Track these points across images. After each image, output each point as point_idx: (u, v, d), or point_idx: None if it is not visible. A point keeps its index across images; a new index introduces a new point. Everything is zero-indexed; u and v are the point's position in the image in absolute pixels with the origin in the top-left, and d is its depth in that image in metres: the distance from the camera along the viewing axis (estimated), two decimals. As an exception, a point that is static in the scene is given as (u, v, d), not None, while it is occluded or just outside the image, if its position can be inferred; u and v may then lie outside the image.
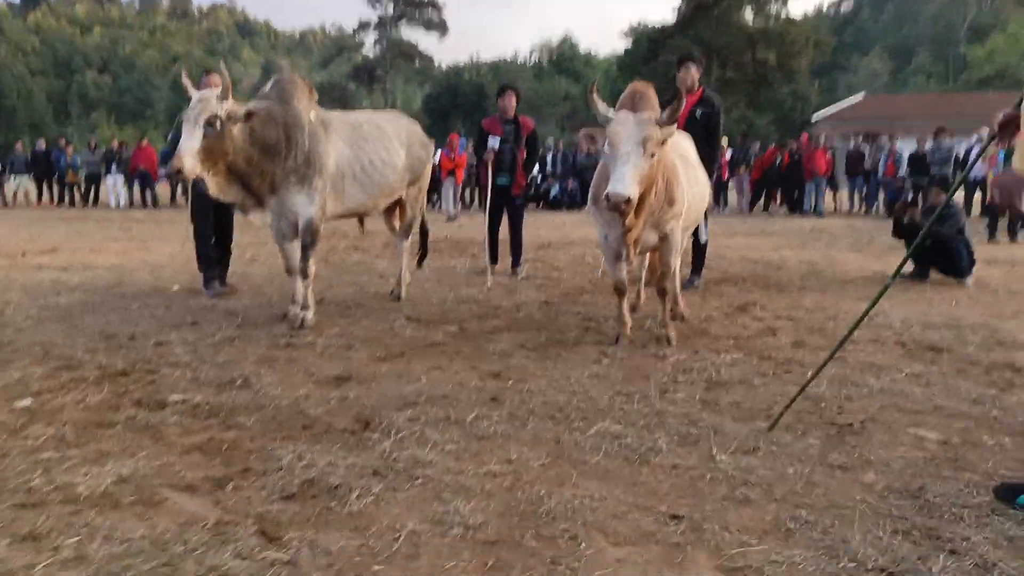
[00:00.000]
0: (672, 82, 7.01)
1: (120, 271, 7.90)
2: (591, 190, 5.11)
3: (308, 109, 5.58)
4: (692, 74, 6.94)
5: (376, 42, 53.31)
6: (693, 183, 5.25)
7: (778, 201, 19.62)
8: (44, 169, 20.72)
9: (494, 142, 7.79)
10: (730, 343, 5.00)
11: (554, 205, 19.22)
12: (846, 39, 64.53)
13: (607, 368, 4.40)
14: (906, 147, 19.04)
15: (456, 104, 46.92)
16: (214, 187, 5.24)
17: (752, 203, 19.36)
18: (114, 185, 19.35)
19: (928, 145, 16.38)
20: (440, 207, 18.31)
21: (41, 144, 21.40)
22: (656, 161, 4.39)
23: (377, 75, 51.19)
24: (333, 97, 49.04)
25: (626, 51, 51.09)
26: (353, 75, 52.19)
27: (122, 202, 19.36)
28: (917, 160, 16.83)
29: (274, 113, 5.38)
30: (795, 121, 48.09)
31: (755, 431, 3.37)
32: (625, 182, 4.14)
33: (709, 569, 2.27)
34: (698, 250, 7.23)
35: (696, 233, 6.97)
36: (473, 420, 3.50)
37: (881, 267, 8.70)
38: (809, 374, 3.65)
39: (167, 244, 10.87)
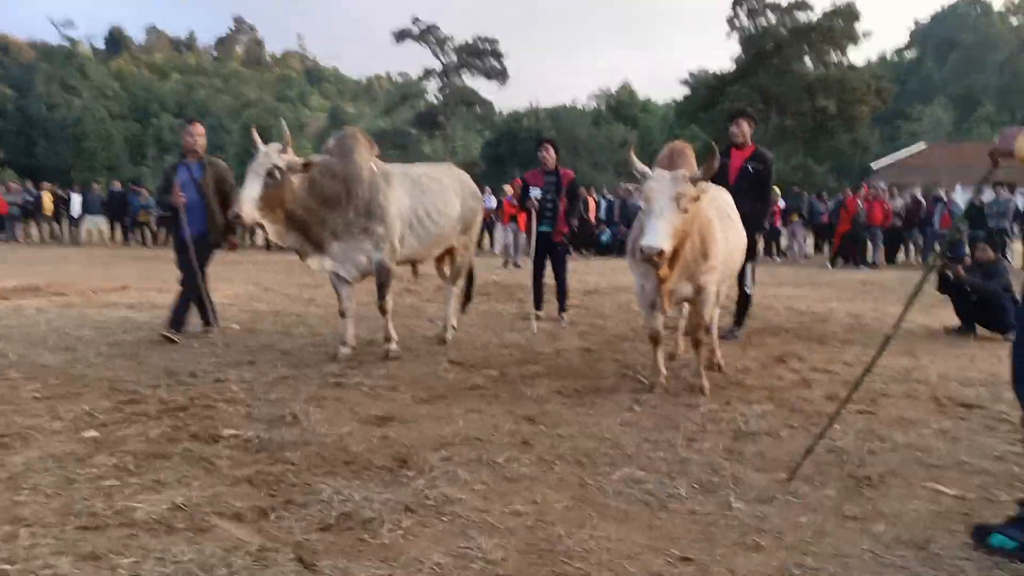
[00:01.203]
0: (728, 130, 7.27)
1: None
2: (629, 242, 5.31)
3: (368, 162, 6.00)
4: (744, 129, 7.15)
5: (439, 90, 54.69)
6: (729, 237, 5.41)
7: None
8: (118, 210, 21.79)
9: (536, 192, 8.11)
10: (763, 394, 5.10)
11: (604, 251, 19.40)
12: (909, 87, 63.85)
13: (638, 416, 4.54)
14: (962, 198, 18.83)
15: (514, 151, 47.60)
16: (273, 233, 5.74)
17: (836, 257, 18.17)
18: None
19: (986, 197, 16.16)
20: (496, 250, 18.67)
21: (116, 185, 22.51)
22: (690, 216, 4.58)
23: (439, 122, 52.42)
24: (396, 143, 50.42)
25: (685, 98, 51.39)
26: (416, 122, 53.55)
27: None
28: (974, 212, 16.62)
29: (334, 167, 5.86)
30: (854, 169, 47.59)
31: (774, 481, 3.49)
32: (658, 235, 4.35)
33: (711, 609, 2.41)
34: (742, 301, 7.33)
35: (742, 283, 7.11)
36: (503, 462, 3.68)
37: (928, 321, 8.66)
38: (826, 423, 3.74)
39: (231, 285, 11.35)
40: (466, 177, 7.04)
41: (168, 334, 6.60)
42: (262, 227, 5.71)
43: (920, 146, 44.63)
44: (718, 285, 5.39)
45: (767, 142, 45.59)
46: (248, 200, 5.40)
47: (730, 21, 46.76)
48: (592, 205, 19.34)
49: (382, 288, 6.10)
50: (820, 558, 2.72)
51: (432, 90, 56.43)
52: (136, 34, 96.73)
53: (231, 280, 12.12)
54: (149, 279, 11.46)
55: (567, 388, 5.19)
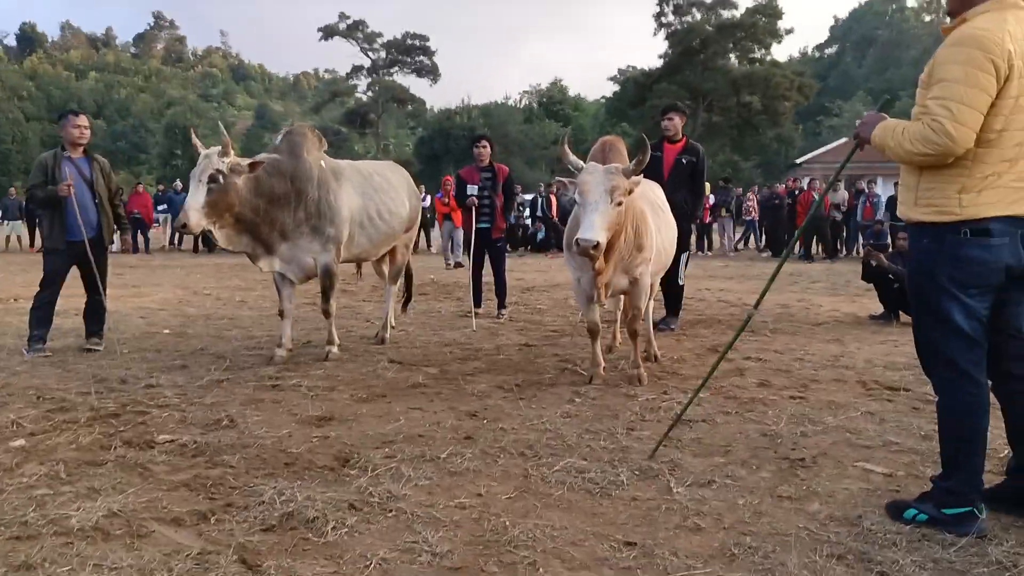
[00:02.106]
0: (658, 125, 7.40)
1: (112, 316, 7.99)
2: (565, 236, 5.38)
3: (318, 160, 5.92)
4: (676, 123, 7.29)
5: (369, 87, 54.15)
6: (662, 229, 5.52)
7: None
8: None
9: (473, 189, 8.11)
10: (698, 383, 5.20)
11: (540, 248, 19.51)
12: (830, 83, 65.77)
13: (579, 407, 4.60)
14: (886, 191, 19.51)
15: (448, 148, 47.51)
16: (223, 239, 5.60)
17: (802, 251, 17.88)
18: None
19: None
20: (431, 251, 18.59)
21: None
22: (624, 209, 4.65)
23: (370, 119, 51.93)
24: (327, 141, 49.76)
25: (614, 95, 51.98)
26: (346, 119, 52.92)
27: (116, 247, 19.54)
28: (896, 204, 17.21)
29: (281, 165, 5.74)
30: (780, 165, 48.85)
31: (712, 465, 3.58)
32: (594, 229, 4.41)
33: (656, 592, 2.46)
34: (674, 292, 7.46)
35: (674, 275, 7.24)
36: (447, 457, 3.69)
37: (854, 309, 8.98)
38: (685, 403, 3.84)
39: (158, 289, 11.08)
40: (408, 176, 7.04)
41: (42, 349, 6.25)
42: (211, 234, 5.57)
43: (842, 140, 45.93)
44: (652, 277, 5.49)
45: (695, 138, 46.22)
46: (193, 208, 5.24)
47: (657, 17, 47.51)
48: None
49: (327, 292, 6.02)
50: (758, 537, 2.80)
51: (362, 87, 55.88)
52: (50, 31, 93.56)
53: (160, 284, 11.85)
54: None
55: (508, 383, 5.22)
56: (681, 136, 7.34)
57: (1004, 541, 2.76)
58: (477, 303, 8.30)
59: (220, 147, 5.43)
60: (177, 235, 20.74)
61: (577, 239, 4.45)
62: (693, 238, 12.00)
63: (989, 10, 2.76)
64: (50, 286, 6.43)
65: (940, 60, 2.77)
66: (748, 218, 20.67)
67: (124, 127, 61.20)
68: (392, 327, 7.06)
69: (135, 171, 51.87)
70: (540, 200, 20.27)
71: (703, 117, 45.84)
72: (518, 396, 4.88)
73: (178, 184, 22.29)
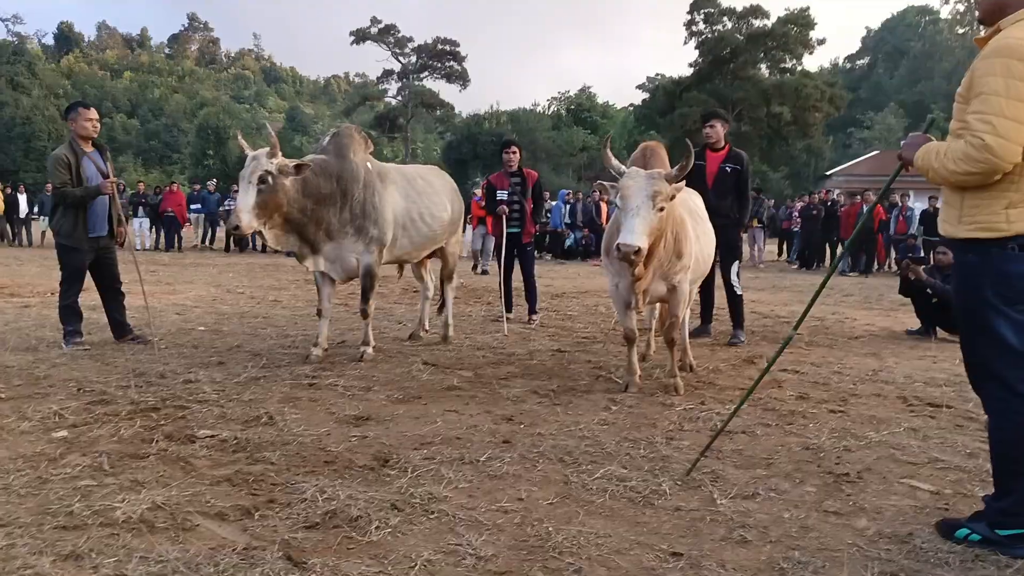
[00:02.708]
0: (688, 133, 7.34)
1: (148, 312, 8.12)
2: (604, 242, 5.35)
3: (364, 161, 5.98)
4: (718, 131, 7.20)
5: (399, 91, 54.44)
6: (701, 237, 5.48)
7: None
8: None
9: (503, 195, 8.11)
10: (736, 394, 5.16)
11: (569, 255, 19.47)
12: (861, 95, 65.14)
13: (616, 415, 4.57)
14: (919, 205, 19.27)
15: (476, 154, 47.62)
16: (272, 238, 5.69)
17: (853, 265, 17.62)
18: (140, 228, 19.81)
19: (940, 203, 16.54)
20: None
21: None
22: (665, 215, 4.63)
23: (399, 124, 52.19)
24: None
25: (643, 102, 51.85)
26: (375, 123, 53.19)
27: (147, 244, 19.80)
28: (929, 218, 17.04)
29: (328, 166, 5.83)
30: (809, 176, 48.45)
31: (755, 477, 3.53)
32: (635, 234, 4.39)
33: (704, 603, 2.43)
34: (734, 302, 7.30)
35: (731, 285, 7.18)
36: (486, 460, 3.67)
37: (889, 324, 8.87)
38: (722, 422, 3.79)
39: (192, 287, 11.19)
40: (451, 180, 7.12)
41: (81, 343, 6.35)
42: (260, 235, 5.65)
43: (874, 153, 45.53)
44: (690, 284, 5.45)
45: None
46: (244, 210, 5.33)
47: (687, 26, 47.35)
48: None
49: (366, 292, 6.06)
50: (807, 552, 2.76)
51: (392, 92, 56.17)
52: (87, 31, 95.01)
53: (192, 282, 11.97)
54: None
55: (542, 388, 5.20)
56: (724, 144, 7.24)
57: (1060, 563, 2.70)
58: (508, 308, 8.29)
59: (268, 148, 5.48)
60: (208, 234, 20.98)
61: (618, 244, 4.43)
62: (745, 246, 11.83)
63: (1023, 18, 2.70)
64: (76, 283, 6.52)
65: (979, 73, 2.69)
66: (795, 229, 20.37)
67: (157, 126, 61.97)
68: (426, 330, 7.20)
69: (167, 170, 52.49)
70: (575, 205, 20.21)
71: (733, 127, 45.54)
72: (554, 402, 4.86)
73: (211, 184, 22.51)
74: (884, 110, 61.69)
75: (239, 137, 5.95)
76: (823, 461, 3.79)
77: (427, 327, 7.23)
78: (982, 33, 2.90)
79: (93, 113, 6.46)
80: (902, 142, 3.11)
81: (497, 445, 3.93)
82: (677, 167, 4.67)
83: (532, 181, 8.36)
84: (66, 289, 6.43)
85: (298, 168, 5.57)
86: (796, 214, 20.36)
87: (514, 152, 8.34)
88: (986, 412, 2.94)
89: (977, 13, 2.95)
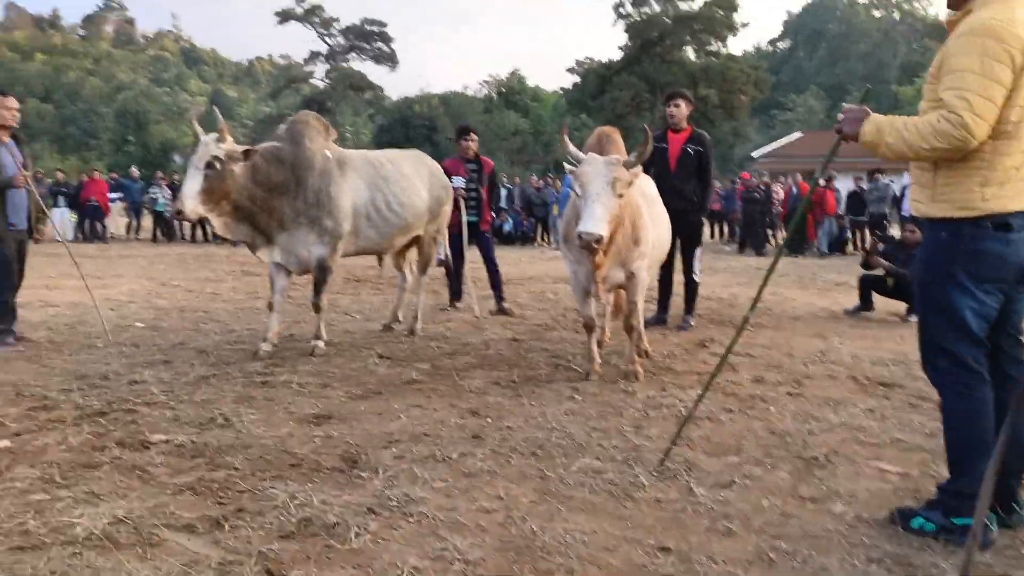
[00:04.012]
0: (619, 116, 7.27)
1: (81, 308, 7.79)
2: (562, 228, 5.31)
3: (322, 148, 5.78)
4: (682, 110, 6.98)
5: (327, 74, 53.32)
6: (656, 222, 5.48)
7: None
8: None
9: (459, 181, 7.95)
10: (694, 379, 5.20)
11: (508, 240, 19.43)
12: (783, 78, 66.61)
13: (581, 405, 4.55)
14: (842, 185, 19.78)
15: (408, 137, 47.04)
16: (221, 227, 5.51)
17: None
18: (61, 218, 18.98)
19: (865, 184, 17.04)
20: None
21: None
22: (624, 201, 4.61)
23: (327, 107, 51.13)
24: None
25: (574, 86, 51.95)
26: (303, 106, 51.98)
27: (69, 235, 18.97)
28: (855, 198, 17.54)
29: (281, 153, 5.66)
30: (735, 158, 49.39)
31: (728, 465, 3.55)
32: (596, 220, 4.35)
33: (699, 598, 2.42)
34: (690, 289, 7.23)
35: (689, 271, 7.15)
36: (458, 458, 3.61)
37: (827, 304, 9.08)
38: (691, 406, 3.86)
39: (123, 280, 10.75)
40: (434, 165, 6.92)
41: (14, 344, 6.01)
42: (207, 221, 5.45)
43: (797, 135, 46.62)
44: (648, 271, 5.46)
45: (654, 131, 46.61)
46: (189, 195, 5.15)
47: (616, 8, 47.58)
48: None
49: (319, 285, 5.91)
50: (792, 540, 2.78)
51: (319, 74, 54.96)
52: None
53: (122, 275, 11.52)
54: (33, 277, 10.71)
55: (503, 379, 5.15)
56: (686, 125, 7.07)
57: (1032, 541, 2.77)
58: (457, 296, 8.20)
59: (216, 133, 5.29)
60: (136, 224, 20.26)
61: (579, 232, 4.38)
62: (706, 229, 11.63)
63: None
64: (5, 277, 6.12)
65: (952, 51, 2.69)
66: (729, 211, 20.65)
67: (74, 112, 59.34)
68: (399, 321, 7.12)
69: (85, 156, 50.35)
70: (512, 190, 20.16)
71: (661, 110, 46.09)
72: (517, 393, 4.81)
73: (134, 171, 21.73)
74: (805, 92, 63.20)
75: (194, 122, 5.67)
76: (791, 445, 3.84)
77: (400, 319, 7.09)
78: (945, 16, 2.92)
79: (12, 101, 6.11)
80: (840, 115, 3.02)
81: (467, 440, 3.87)
82: (635, 152, 4.65)
83: (488, 169, 8.25)
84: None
85: (246, 154, 5.39)
86: (731, 196, 20.67)
87: (473, 139, 8.20)
88: (938, 391, 2.90)
89: None
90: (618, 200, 4.51)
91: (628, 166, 4.57)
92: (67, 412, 4.29)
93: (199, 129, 5.47)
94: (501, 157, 49.50)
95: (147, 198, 20.16)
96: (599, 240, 4.36)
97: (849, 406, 4.56)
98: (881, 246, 8.43)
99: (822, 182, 17.95)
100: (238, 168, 5.37)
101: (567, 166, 4.77)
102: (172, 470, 3.46)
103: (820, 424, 4.20)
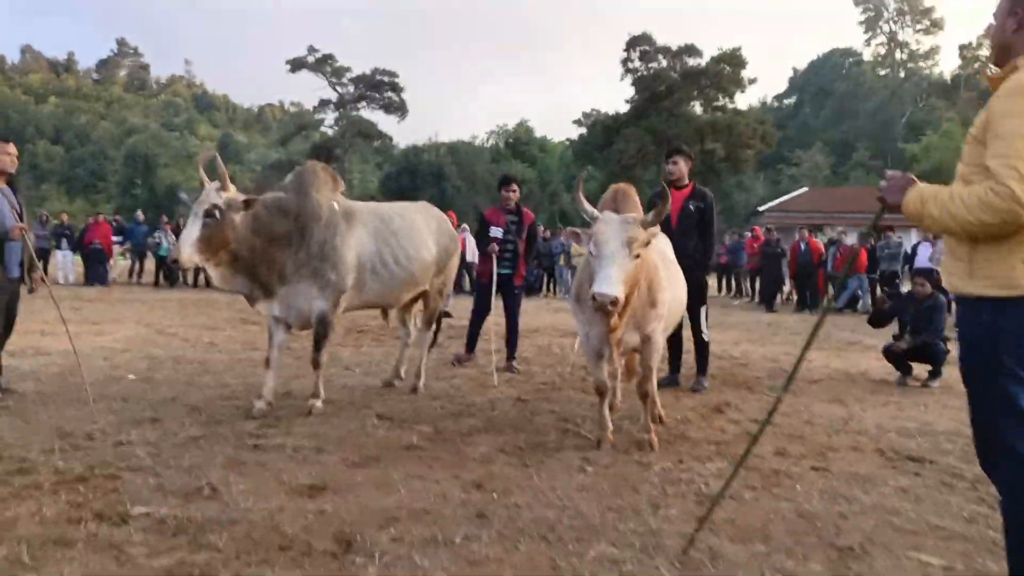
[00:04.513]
0: (624, 168, 7.10)
1: (72, 359, 7.51)
2: (573, 287, 5.07)
3: (329, 200, 5.63)
4: (681, 167, 6.88)
5: (336, 121, 53.76)
6: (672, 282, 5.26)
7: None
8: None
9: (497, 232, 7.73)
10: (712, 450, 4.92)
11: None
12: (789, 132, 67.03)
13: (593, 478, 4.26)
14: (852, 241, 19.59)
15: (416, 185, 47.17)
16: (218, 278, 5.35)
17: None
18: (63, 261, 18.82)
19: (878, 242, 16.85)
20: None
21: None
22: (640, 262, 4.39)
23: (335, 154, 51.43)
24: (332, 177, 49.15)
25: (580, 137, 52.27)
26: (312, 152, 52.28)
27: (71, 278, 18.80)
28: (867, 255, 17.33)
29: (285, 204, 5.49)
30: (741, 212, 49.41)
31: (755, 555, 3.26)
32: (611, 282, 4.12)
33: None
34: (701, 349, 6.99)
35: (698, 330, 6.93)
36: (461, 541, 3.32)
37: (842, 365, 8.79)
38: (716, 489, 3.55)
39: (120, 326, 10.53)
40: (441, 216, 6.72)
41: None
42: (204, 271, 5.26)
43: (803, 189, 46.77)
44: (663, 334, 5.22)
45: (658, 184, 46.83)
46: (187, 243, 5.01)
47: (624, 63, 48.06)
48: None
49: (319, 341, 5.66)
50: (834, 652, 2.49)
51: (328, 121, 55.41)
52: (10, 54, 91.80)
53: (120, 321, 11.29)
54: (29, 321, 10.50)
55: (509, 446, 4.86)
56: (688, 181, 6.96)
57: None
58: (471, 348, 7.94)
59: (219, 181, 5.16)
60: (137, 267, 20.10)
61: (594, 293, 4.15)
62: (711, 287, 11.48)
63: None
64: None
65: (998, 112, 2.45)
66: (739, 265, 20.39)
67: (83, 154, 59.82)
68: (401, 378, 6.87)
69: (92, 199, 50.63)
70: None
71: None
72: (524, 462, 4.52)
73: (139, 215, 21.66)
74: (812, 148, 63.53)
75: (200, 168, 5.52)
76: (822, 531, 3.55)
77: (403, 375, 6.83)
78: (992, 71, 2.71)
79: (12, 148, 5.96)
80: (881, 183, 2.83)
81: (471, 520, 3.58)
82: (653, 211, 4.45)
83: (529, 221, 8.04)
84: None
85: (247, 203, 5.24)
86: (738, 249, 20.46)
87: (514, 191, 7.99)
88: (999, 493, 2.61)
89: (990, 54, 2.76)
90: (634, 261, 4.29)
91: (645, 225, 4.36)
92: (45, 477, 4.02)
93: (204, 176, 5.34)
94: (507, 206, 49.62)
95: (151, 242, 20.03)
96: (614, 302, 4.13)
97: (880, 484, 4.26)
98: (888, 304, 8.19)
99: (849, 241, 17.90)
100: (238, 217, 5.22)
101: (569, 228, 4.61)
102: (150, 550, 3.18)
103: (851, 506, 3.90)
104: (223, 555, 3.14)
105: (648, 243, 4.41)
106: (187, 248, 5.05)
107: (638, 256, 4.33)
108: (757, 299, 19.50)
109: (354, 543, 3.28)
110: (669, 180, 6.92)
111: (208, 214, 5.10)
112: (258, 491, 3.91)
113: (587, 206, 4.52)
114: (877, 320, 8.06)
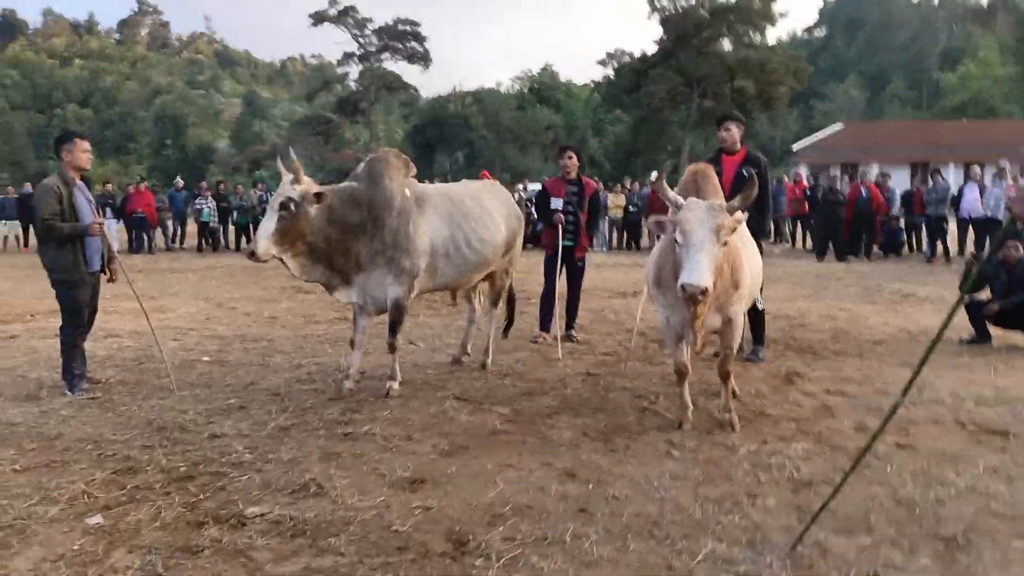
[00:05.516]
0: (654, 111, 6.93)
1: (144, 339, 7.67)
2: (652, 271, 5.06)
3: (401, 187, 5.70)
4: (733, 133, 6.78)
5: (360, 74, 53.30)
6: (752, 262, 5.25)
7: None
8: (30, 212, 20.38)
9: (558, 203, 7.65)
10: (792, 427, 4.97)
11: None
12: (820, 66, 65.43)
13: (682, 465, 4.31)
14: (897, 184, 19.26)
15: (443, 137, 46.96)
16: (296, 268, 5.49)
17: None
18: (109, 230, 19.06)
19: (920, 184, 16.56)
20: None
21: (27, 187, 21.14)
22: (727, 248, 4.39)
23: (361, 107, 51.18)
24: (317, 130, 49.04)
25: (607, 80, 51.44)
26: (336, 107, 52.10)
27: (115, 247, 19.04)
28: (909, 198, 17.08)
29: (357, 193, 5.58)
30: (774, 151, 48.62)
31: (862, 548, 3.31)
32: (702, 272, 4.13)
33: None
34: (757, 319, 6.90)
35: (754, 300, 6.86)
36: (571, 540, 3.39)
37: (902, 323, 8.73)
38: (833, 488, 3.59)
39: (179, 300, 10.73)
40: (509, 197, 6.75)
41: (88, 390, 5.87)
42: (283, 263, 5.40)
43: (837, 126, 45.78)
44: (744, 314, 5.22)
45: (689, 125, 46.28)
46: (263, 236, 5.20)
47: (651, 1, 47.00)
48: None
49: (394, 325, 5.79)
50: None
51: (353, 75, 54.99)
52: (32, 17, 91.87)
53: (176, 294, 11.49)
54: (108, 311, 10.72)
55: (591, 429, 4.93)
56: (740, 146, 6.86)
57: None
58: (546, 327, 7.81)
59: (293, 175, 5.28)
60: (180, 233, 20.34)
61: (683, 284, 4.15)
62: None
63: None
64: (79, 320, 6.02)
65: None
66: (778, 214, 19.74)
67: (111, 115, 60.08)
68: (468, 354, 6.91)
69: (123, 161, 50.98)
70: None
71: (697, 103, 45.46)
72: (610, 447, 4.60)
73: (178, 181, 21.81)
74: (844, 81, 62.06)
75: (279, 163, 5.61)
76: (923, 520, 3.59)
77: (469, 351, 6.90)
78: None
79: (88, 144, 6.09)
80: (1011, 192, 2.83)
81: (575, 516, 3.66)
82: (740, 196, 4.43)
83: (590, 191, 7.95)
84: (69, 328, 5.97)
85: (318, 196, 5.32)
86: (776, 195, 20.06)
87: (571, 158, 7.81)
88: None
89: None
90: (722, 248, 4.29)
91: (731, 211, 4.34)
92: (153, 476, 4.17)
93: (283, 168, 5.45)
94: (536, 153, 49.29)
95: (192, 209, 20.24)
96: (704, 292, 4.14)
97: (969, 464, 4.28)
98: (974, 264, 7.90)
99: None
100: (313, 210, 5.32)
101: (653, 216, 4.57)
102: (275, 556, 3.30)
103: (945, 489, 3.93)
104: (347, 559, 3.25)
105: (735, 229, 4.39)
106: (264, 241, 5.21)
107: (726, 243, 4.32)
108: (799, 246, 19.31)
109: (467, 543, 3.38)
110: (721, 147, 6.85)
111: (283, 207, 5.22)
112: (361, 486, 4.02)
113: (671, 194, 4.51)
114: (975, 285, 7.29)
